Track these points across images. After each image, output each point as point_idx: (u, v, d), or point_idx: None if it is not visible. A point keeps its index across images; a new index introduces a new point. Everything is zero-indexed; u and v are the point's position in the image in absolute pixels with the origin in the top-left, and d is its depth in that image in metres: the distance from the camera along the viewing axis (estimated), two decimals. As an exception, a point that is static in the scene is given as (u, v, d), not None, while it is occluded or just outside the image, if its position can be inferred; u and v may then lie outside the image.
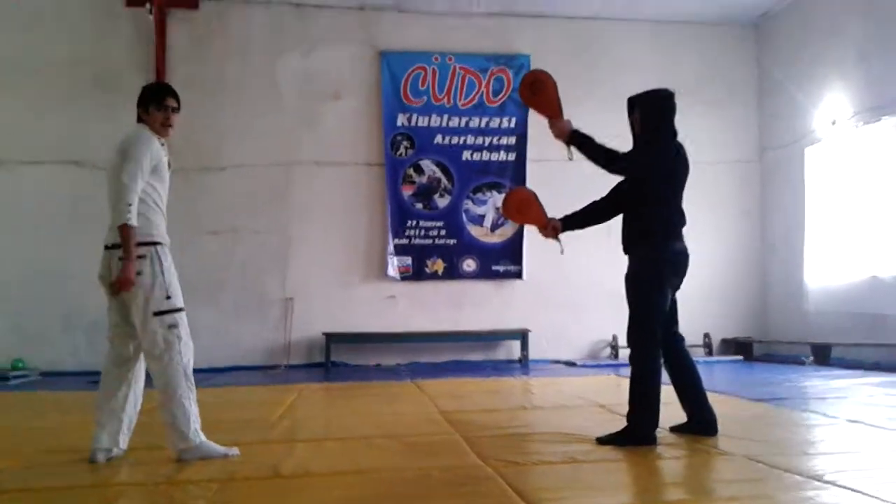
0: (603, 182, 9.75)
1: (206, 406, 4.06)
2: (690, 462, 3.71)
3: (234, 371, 9.04)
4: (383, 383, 7.55)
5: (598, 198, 4.48)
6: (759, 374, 8.21)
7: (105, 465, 3.70)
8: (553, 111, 4.21)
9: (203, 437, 3.75)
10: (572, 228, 4.53)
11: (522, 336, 9.82)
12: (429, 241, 10.01)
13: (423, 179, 10.07)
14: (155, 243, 3.73)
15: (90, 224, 9.15)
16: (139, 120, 3.89)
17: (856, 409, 5.18)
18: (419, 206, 10.04)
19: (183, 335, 3.74)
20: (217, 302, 9.38)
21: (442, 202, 10.09)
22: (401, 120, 10.08)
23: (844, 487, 3.00)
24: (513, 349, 10.08)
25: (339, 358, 9.59)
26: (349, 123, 10.07)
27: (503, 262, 10.11)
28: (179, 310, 3.75)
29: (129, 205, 3.58)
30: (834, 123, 9.23)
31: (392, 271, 9.88)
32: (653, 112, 4.19)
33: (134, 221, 3.59)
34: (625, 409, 4.12)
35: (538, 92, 4.28)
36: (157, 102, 3.87)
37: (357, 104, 10.11)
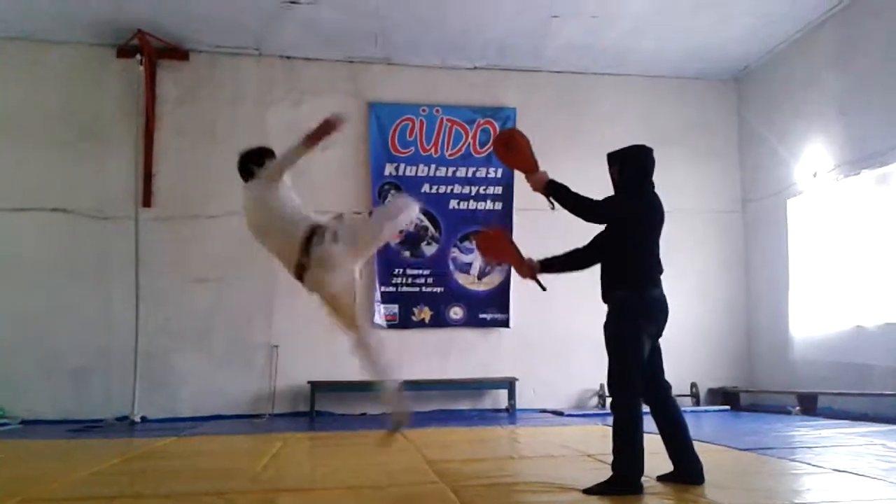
0: (589, 230, 9.82)
1: (189, 455, 4.04)
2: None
3: (219, 420, 8.95)
4: (369, 432, 7.45)
5: (579, 245, 4.54)
6: (746, 423, 8.19)
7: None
8: (528, 165, 4.28)
9: None
10: (550, 271, 4.58)
11: (509, 385, 9.77)
12: (416, 289, 10.02)
13: (411, 228, 10.11)
14: None
15: (75, 271, 9.25)
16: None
17: (843, 458, 5.17)
18: (406, 254, 10.08)
19: None
20: (203, 350, 9.33)
21: (429, 250, 10.14)
22: (388, 169, 10.18)
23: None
24: (500, 398, 10.02)
25: (323, 407, 9.50)
26: (337, 173, 10.14)
27: (490, 310, 10.12)
28: None
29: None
30: (815, 176, 9.38)
31: (378, 319, 9.85)
32: (633, 166, 4.29)
33: None
34: (612, 458, 4.11)
35: (512, 149, 4.38)
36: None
37: (345, 154, 10.19)
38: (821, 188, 9.33)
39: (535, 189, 4.27)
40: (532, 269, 4.57)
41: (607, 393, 4.23)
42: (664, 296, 4.20)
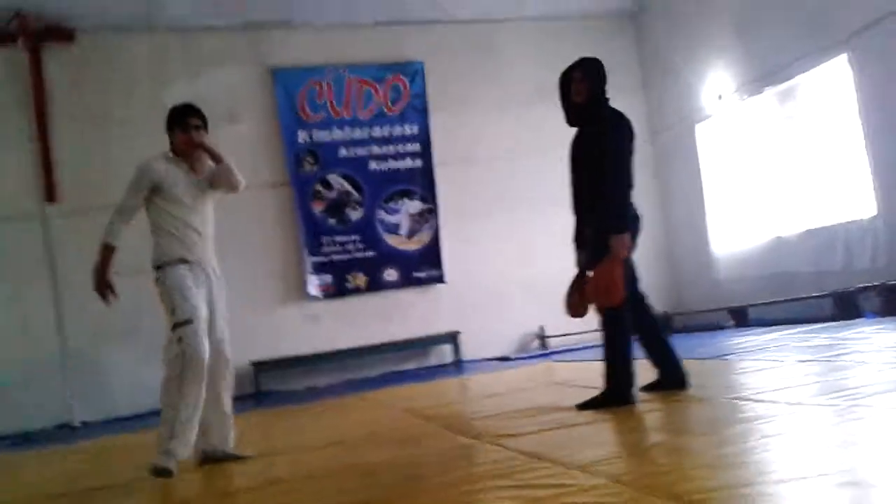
0: (507, 174, 9.85)
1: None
2: (680, 408, 3.76)
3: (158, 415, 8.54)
4: (327, 401, 7.29)
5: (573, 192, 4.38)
6: (689, 340, 8.39)
7: None
8: (608, 270, 4.00)
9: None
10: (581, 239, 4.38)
11: (453, 338, 9.77)
12: (347, 256, 9.80)
13: (333, 194, 9.88)
14: (159, 267, 3.91)
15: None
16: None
17: (798, 352, 5.38)
18: (332, 221, 9.83)
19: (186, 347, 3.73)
20: (131, 346, 8.81)
21: (355, 215, 9.92)
22: (301, 136, 9.88)
23: (828, 406, 3.13)
24: (444, 353, 10.00)
25: (267, 386, 9.23)
26: (248, 145, 9.72)
27: (424, 268, 10.02)
28: (179, 323, 3.78)
29: (110, 223, 3.91)
30: (720, 98, 9.68)
31: (313, 290, 9.62)
32: (601, 78, 4.24)
33: (109, 240, 3.89)
34: (581, 384, 4.12)
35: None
36: (179, 123, 4.01)
37: (254, 125, 9.83)
38: (727, 110, 9.64)
39: (623, 249, 4.04)
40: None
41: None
42: (637, 211, 4.22)
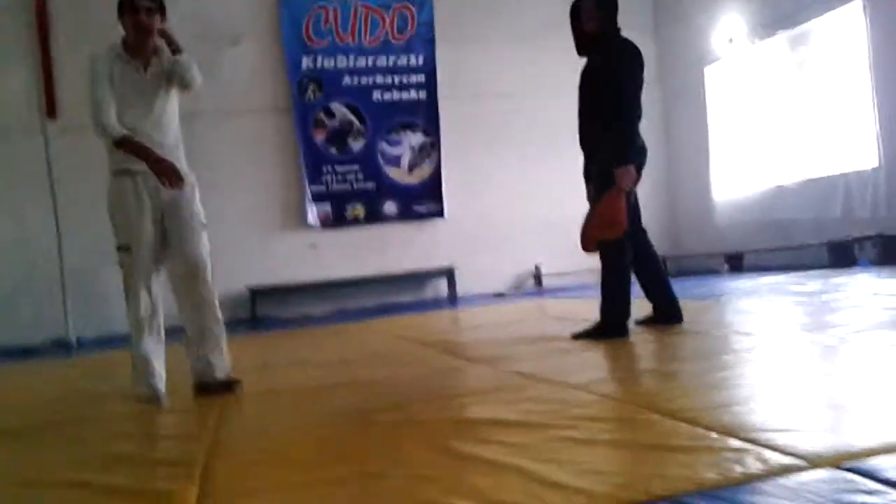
0: (511, 111, 9.74)
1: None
2: (673, 339, 3.82)
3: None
4: (329, 326, 7.33)
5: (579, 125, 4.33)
6: (684, 283, 8.45)
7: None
8: (613, 203, 3.99)
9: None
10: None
11: (449, 273, 9.82)
12: (347, 186, 9.77)
13: (335, 123, 9.80)
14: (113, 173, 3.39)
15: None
16: None
17: (791, 295, 5.45)
18: (333, 150, 9.78)
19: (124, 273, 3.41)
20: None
21: (356, 145, 9.86)
22: (305, 63, 9.74)
23: (816, 340, 3.18)
24: (440, 288, 10.07)
25: (263, 312, 9.32)
26: (251, 69, 9.65)
27: (424, 202, 10.00)
28: (118, 247, 3.42)
29: (99, 123, 3.24)
30: (731, 41, 9.55)
31: (312, 219, 9.62)
32: (612, 8, 4.19)
33: (116, 134, 3.25)
34: (575, 318, 4.16)
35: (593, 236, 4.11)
36: (128, 7, 3.33)
37: (257, 49, 9.68)
38: (737, 53, 9.52)
39: (629, 183, 4.04)
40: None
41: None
42: (644, 144, 4.21)
